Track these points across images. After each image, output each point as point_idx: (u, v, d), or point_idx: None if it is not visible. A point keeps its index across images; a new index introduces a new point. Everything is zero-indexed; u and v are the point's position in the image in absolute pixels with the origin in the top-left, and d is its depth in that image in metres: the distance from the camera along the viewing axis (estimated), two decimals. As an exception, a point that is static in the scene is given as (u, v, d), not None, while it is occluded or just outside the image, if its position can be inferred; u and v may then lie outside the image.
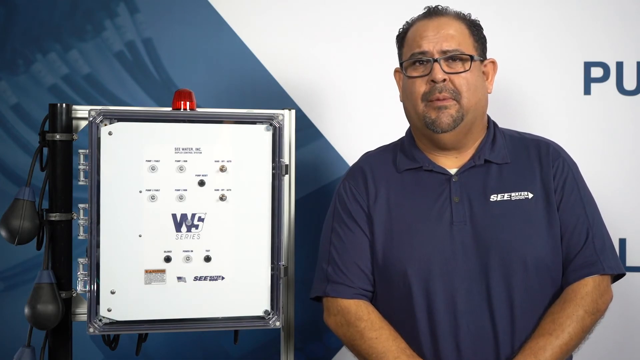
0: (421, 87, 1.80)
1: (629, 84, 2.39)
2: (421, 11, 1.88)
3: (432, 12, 1.85)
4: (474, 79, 1.81)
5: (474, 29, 1.85)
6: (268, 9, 2.46)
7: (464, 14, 1.86)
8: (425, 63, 1.80)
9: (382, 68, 2.33)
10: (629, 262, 2.36)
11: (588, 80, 2.40)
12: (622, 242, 2.36)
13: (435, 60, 1.78)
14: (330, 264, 1.85)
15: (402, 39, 1.89)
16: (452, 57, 1.79)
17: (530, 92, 2.41)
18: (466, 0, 1.94)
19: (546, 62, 2.41)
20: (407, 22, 1.90)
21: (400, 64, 1.88)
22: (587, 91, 2.40)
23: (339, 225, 1.87)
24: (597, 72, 2.40)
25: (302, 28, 2.46)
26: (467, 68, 1.79)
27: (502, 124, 1.93)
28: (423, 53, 1.80)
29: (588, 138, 2.38)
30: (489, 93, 1.88)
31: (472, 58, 1.80)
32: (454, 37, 1.80)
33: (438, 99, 1.77)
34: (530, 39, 2.41)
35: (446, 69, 1.78)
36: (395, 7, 2.37)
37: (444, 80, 1.77)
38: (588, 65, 2.40)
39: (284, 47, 2.46)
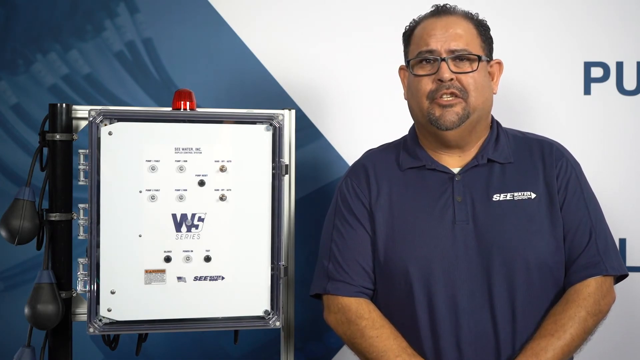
0: (427, 85, 1.80)
1: (629, 84, 2.39)
2: (424, 11, 1.88)
3: (440, 11, 1.85)
4: (481, 78, 1.81)
5: (482, 29, 1.85)
6: (268, 8, 2.46)
7: (471, 14, 1.86)
8: (432, 62, 1.80)
9: (383, 68, 2.33)
10: (629, 262, 2.37)
11: (588, 80, 2.40)
12: (622, 242, 2.36)
13: (443, 60, 1.78)
14: (331, 261, 1.85)
15: (408, 36, 1.88)
16: (459, 57, 1.79)
17: (530, 92, 2.41)
18: (467, 0, 1.93)
19: (546, 62, 2.41)
20: (414, 19, 1.89)
21: (407, 62, 1.87)
22: (587, 91, 2.40)
23: (340, 222, 1.87)
24: (597, 72, 2.40)
25: (302, 28, 2.46)
26: (475, 68, 1.79)
27: (502, 123, 1.93)
28: (430, 52, 1.79)
29: (588, 138, 2.38)
30: (494, 94, 1.88)
31: (479, 58, 1.80)
32: (462, 37, 1.80)
33: (444, 97, 1.77)
34: (530, 39, 2.41)
35: (453, 68, 1.78)
36: (396, 7, 2.37)
37: (451, 79, 1.77)
38: (588, 65, 2.40)
39: (284, 47, 2.46)
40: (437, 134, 1.82)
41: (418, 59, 1.82)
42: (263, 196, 1.83)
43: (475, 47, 1.81)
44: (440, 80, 1.77)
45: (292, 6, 2.46)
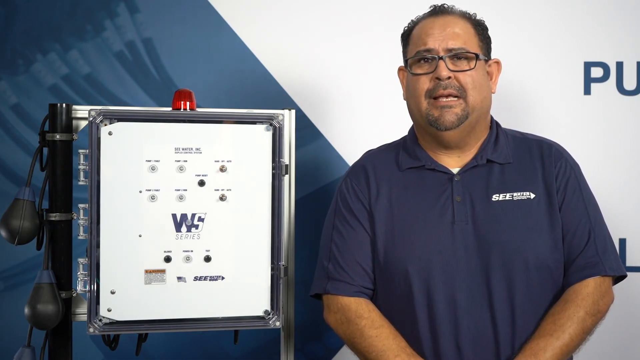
0: (425, 84, 1.80)
1: (629, 84, 2.39)
2: (422, 11, 1.89)
3: (438, 11, 1.86)
4: (479, 77, 1.81)
5: (480, 28, 1.85)
6: (268, 9, 2.46)
7: (469, 14, 1.86)
8: (430, 61, 1.80)
9: (383, 68, 2.33)
10: (629, 262, 2.36)
11: (588, 80, 2.40)
12: (622, 242, 2.36)
13: (441, 58, 1.78)
14: (331, 261, 1.85)
15: (407, 37, 1.89)
16: (457, 56, 1.79)
17: (530, 92, 2.41)
18: (467, 0, 1.94)
19: (546, 62, 2.41)
20: (412, 20, 1.90)
21: (405, 62, 1.88)
22: (587, 91, 2.40)
23: (340, 222, 1.87)
24: (597, 72, 2.40)
25: (302, 28, 2.46)
26: (472, 66, 1.79)
27: (502, 123, 1.93)
28: (428, 50, 1.80)
29: (588, 138, 2.38)
30: (493, 93, 1.88)
31: (477, 57, 1.80)
32: (460, 36, 1.80)
33: (442, 96, 1.77)
34: (530, 39, 2.41)
35: (451, 66, 1.78)
36: (396, 7, 2.37)
37: (449, 77, 1.77)
38: (588, 65, 2.40)
39: (284, 47, 2.46)
40: (436, 135, 1.82)
41: (416, 58, 1.82)
42: (263, 196, 1.83)
43: (473, 45, 1.81)
44: (438, 79, 1.78)
45: (292, 6, 2.46)
